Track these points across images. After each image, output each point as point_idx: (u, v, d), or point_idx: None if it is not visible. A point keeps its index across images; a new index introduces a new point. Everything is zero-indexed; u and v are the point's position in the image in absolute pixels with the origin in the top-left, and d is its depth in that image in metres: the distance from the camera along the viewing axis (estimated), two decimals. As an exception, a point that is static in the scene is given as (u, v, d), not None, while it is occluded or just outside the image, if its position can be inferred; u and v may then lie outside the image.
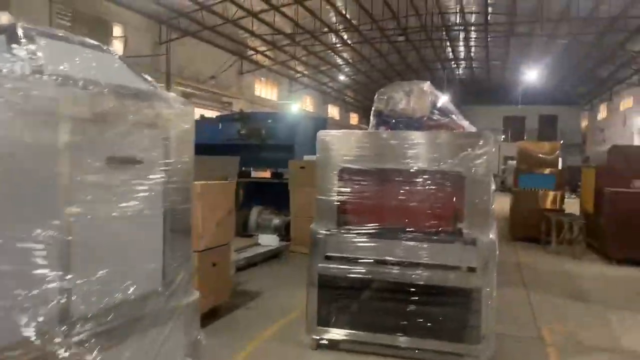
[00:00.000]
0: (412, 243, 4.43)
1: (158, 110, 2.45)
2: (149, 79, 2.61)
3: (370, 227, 4.55)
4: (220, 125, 12.53)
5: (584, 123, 47.17)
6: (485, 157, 4.29)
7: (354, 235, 4.55)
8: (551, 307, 6.31)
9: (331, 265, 4.60)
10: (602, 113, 40.99)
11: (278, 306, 5.99)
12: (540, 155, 11.94)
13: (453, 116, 5.30)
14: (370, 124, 5.44)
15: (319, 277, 4.62)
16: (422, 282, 4.39)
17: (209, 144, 12.08)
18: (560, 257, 9.62)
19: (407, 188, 4.54)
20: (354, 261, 4.55)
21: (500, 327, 4.81)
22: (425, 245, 4.40)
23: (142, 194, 2.48)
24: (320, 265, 4.61)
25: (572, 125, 44.86)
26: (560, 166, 12.57)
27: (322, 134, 4.65)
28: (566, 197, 12.81)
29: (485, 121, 34.46)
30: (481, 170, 4.29)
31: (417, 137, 4.47)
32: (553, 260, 9.41)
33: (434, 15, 24.90)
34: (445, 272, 4.36)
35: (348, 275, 4.57)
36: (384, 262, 4.48)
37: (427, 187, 4.49)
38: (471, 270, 4.32)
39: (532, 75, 28.51)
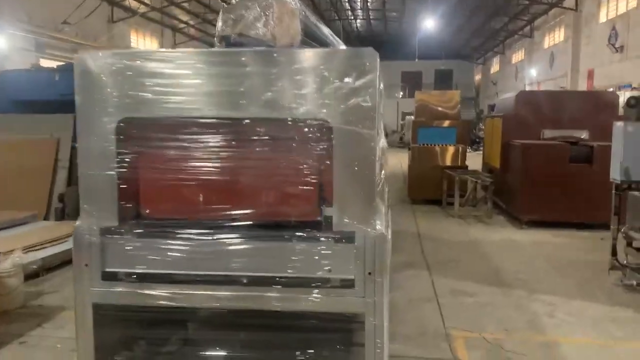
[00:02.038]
0: (249, 245, 2.58)
1: None
2: None
3: (180, 220, 2.65)
4: (57, 76, 9.90)
5: (478, 77, 48.09)
6: (368, 93, 2.49)
7: (152, 235, 2.62)
8: (463, 299, 4.85)
9: (115, 289, 2.65)
10: (495, 66, 41.70)
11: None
12: (440, 107, 10.62)
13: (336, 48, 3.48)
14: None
15: (94, 310, 2.67)
16: (268, 308, 2.59)
17: (45, 100, 9.55)
18: (465, 222, 8.35)
19: (241, 151, 2.66)
20: (154, 279, 2.64)
21: (401, 342, 3.39)
22: (270, 247, 2.58)
23: None
24: (94, 289, 2.65)
25: (466, 80, 45.38)
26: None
27: (82, 57, 2.59)
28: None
29: (384, 76, 33.40)
30: (361, 116, 2.49)
31: (255, 62, 2.56)
32: (458, 226, 8.10)
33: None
34: (306, 290, 2.57)
35: (146, 305, 2.66)
36: (205, 280, 2.61)
37: (273, 150, 2.64)
38: (346, 285, 2.56)
39: (428, 25, 27.56)
